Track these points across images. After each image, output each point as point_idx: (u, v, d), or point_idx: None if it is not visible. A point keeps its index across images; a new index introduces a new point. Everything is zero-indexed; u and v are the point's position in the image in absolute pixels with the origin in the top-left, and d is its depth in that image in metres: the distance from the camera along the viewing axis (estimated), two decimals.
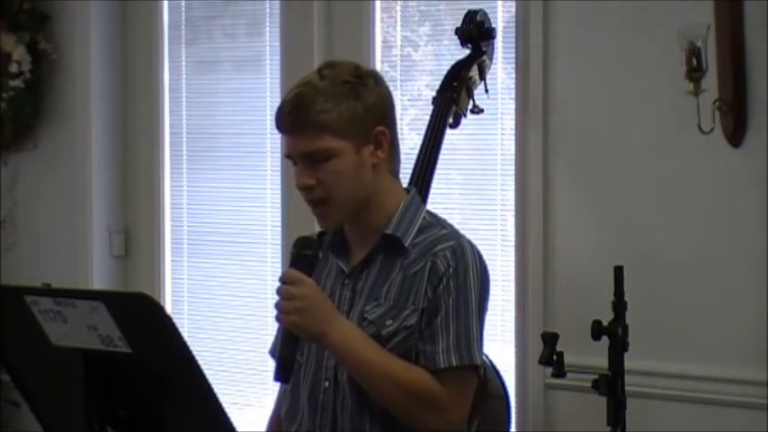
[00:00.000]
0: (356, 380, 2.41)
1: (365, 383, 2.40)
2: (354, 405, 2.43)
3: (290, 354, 2.35)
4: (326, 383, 2.46)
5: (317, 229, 2.59)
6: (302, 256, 2.39)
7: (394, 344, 2.41)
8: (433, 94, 3.67)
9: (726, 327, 3.55)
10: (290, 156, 2.47)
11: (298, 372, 2.48)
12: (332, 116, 2.40)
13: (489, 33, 3.70)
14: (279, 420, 2.61)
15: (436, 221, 2.54)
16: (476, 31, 3.67)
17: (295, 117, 2.42)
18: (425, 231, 2.49)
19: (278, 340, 2.60)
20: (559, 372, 3.19)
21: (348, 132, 2.41)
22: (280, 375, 2.36)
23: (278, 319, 2.37)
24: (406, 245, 2.47)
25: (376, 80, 2.49)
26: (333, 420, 2.44)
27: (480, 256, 2.50)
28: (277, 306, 2.36)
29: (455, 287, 2.42)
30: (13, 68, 4.74)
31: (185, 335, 2.02)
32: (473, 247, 2.49)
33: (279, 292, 2.36)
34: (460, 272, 2.43)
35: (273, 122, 2.49)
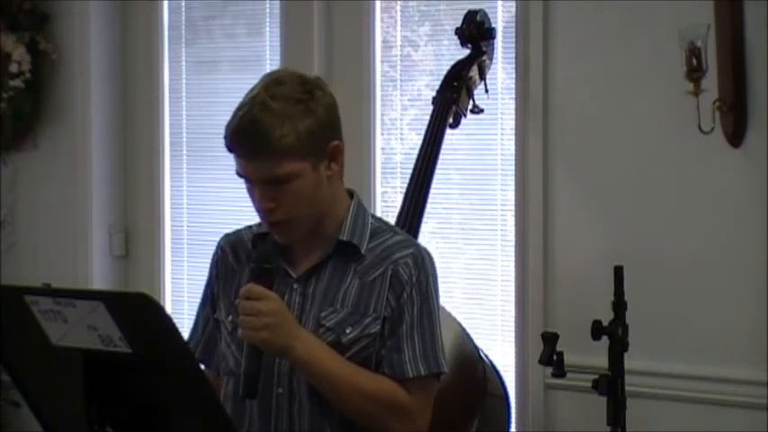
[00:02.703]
0: (322, 392, 2.39)
1: (331, 395, 2.39)
2: (314, 411, 2.42)
3: (256, 369, 2.32)
4: (280, 390, 2.43)
5: (245, 226, 2.58)
6: (263, 270, 2.37)
7: (354, 351, 2.41)
8: (433, 94, 3.67)
9: (726, 327, 3.55)
10: (243, 176, 2.43)
11: (240, 378, 2.42)
12: (291, 140, 2.36)
13: (489, 33, 3.70)
14: None
15: (385, 226, 2.54)
16: (476, 31, 3.67)
17: (253, 145, 2.37)
18: (377, 237, 2.49)
19: (196, 337, 2.59)
20: (559, 372, 3.19)
21: (306, 153, 2.38)
22: (248, 391, 2.33)
23: (244, 335, 2.34)
24: (363, 251, 2.46)
25: (322, 90, 2.45)
26: (289, 426, 2.43)
27: (434, 263, 2.51)
28: (244, 323, 2.33)
29: (418, 296, 2.43)
30: (13, 68, 4.74)
31: (185, 335, 2.02)
32: (429, 254, 2.50)
33: (244, 308, 2.33)
34: (422, 281, 2.44)
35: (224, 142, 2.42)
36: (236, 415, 2.48)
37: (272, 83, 2.43)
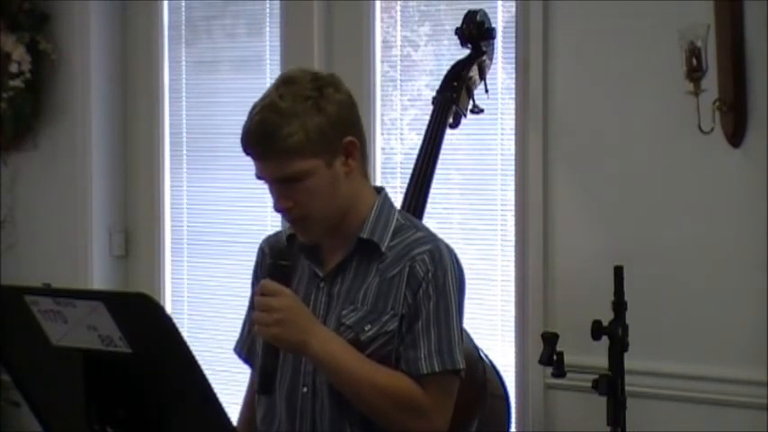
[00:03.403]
0: (338, 388, 2.40)
1: (347, 392, 2.39)
2: (334, 410, 2.42)
3: (272, 366, 2.34)
4: (305, 389, 2.45)
5: (284, 228, 2.59)
6: (279, 266, 2.38)
7: (373, 349, 2.41)
8: (433, 94, 3.66)
9: (726, 327, 3.54)
10: (261, 178, 2.45)
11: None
12: (299, 139, 2.37)
13: (489, 33, 3.70)
14: (246, 421, 2.60)
15: (410, 223, 2.53)
16: (476, 31, 3.67)
17: (262, 145, 2.39)
18: (400, 234, 2.48)
19: (242, 337, 2.63)
20: (559, 372, 3.20)
21: (317, 150, 2.39)
22: (263, 388, 2.35)
23: (258, 331, 2.36)
24: (383, 249, 2.46)
25: (335, 87, 2.45)
26: (312, 425, 2.44)
27: (457, 259, 2.49)
28: (256, 318, 2.35)
29: (435, 292, 2.42)
30: (13, 68, 4.74)
31: (185, 335, 2.02)
32: (450, 249, 2.49)
33: (258, 304, 2.35)
34: (439, 276, 2.42)
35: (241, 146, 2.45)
36: (269, 415, 2.51)
37: (282, 82, 2.46)
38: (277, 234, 2.64)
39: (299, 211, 2.42)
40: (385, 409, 2.38)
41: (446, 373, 2.41)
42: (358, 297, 2.44)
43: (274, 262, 2.40)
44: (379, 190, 2.55)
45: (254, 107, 2.44)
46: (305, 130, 2.37)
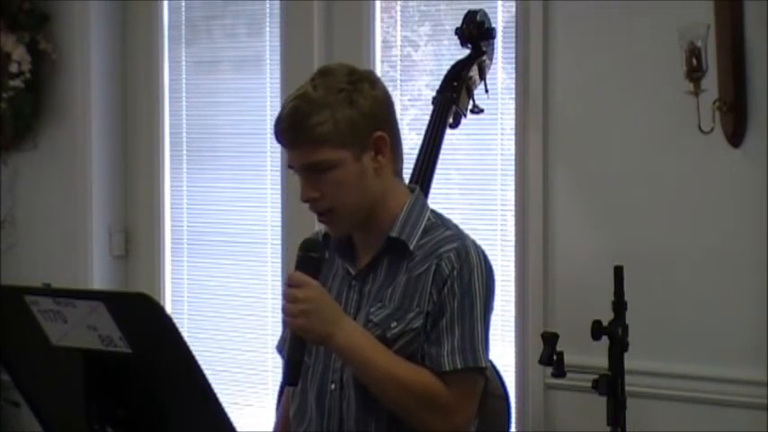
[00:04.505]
0: (362, 382, 2.41)
1: (370, 385, 2.40)
2: (360, 408, 2.43)
3: (297, 357, 2.36)
4: (333, 386, 2.46)
5: (319, 227, 2.60)
6: (308, 258, 2.40)
7: (399, 346, 2.41)
8: (433, 94, 3.67)
9: (726, 327, 3.54)
10: (292, 167, 2.48)
11: (305, 373, 2.48)
12: (328, 128, 2.39)
13: (489, 33, 3.70)
14: (286, 420, 2.61)
15: (441, 222, 2.53)
16: (476, 31, 3.67)
17: (292, 132, 2.42)
18: (430, 233, 2.49)
19: (285, 337, 2.61)
20: (559, 372, 3.19)
21: (346, 142, 2.41)
22: (289, 379, 2.36)
23: (285, 321, 2.38)
24: (411, 247, 2.46)
25: (371, 83, 2.47)
26: (339, 423, 2.45)
27: (485, 257, 2.49)
28: (283, 309, 2.36)
29: (460, 289, 2.42)
30: (13, 68, 4.74)
31: (185, 335, 2.02)
32: (478, 247, 2.49)
33: (285, 294, 2.36)
34: (465, 274, 2.43)
35: (273, 134, 2.49)
36: (300, 412, 2.52)
37: (318, 74, 2.48)
38: (317, 232, 2.64)
39: (326, 202, 2.43)
40: (407, 405, 2.39)
41: (469, 370, 2.42)
42: (386, 295, 2.46)
43: (304, 254, 2.41)
44: (413, 189, 2.57)
45: (288, 97, 2.48)
46: (334, 120, 2.40)
